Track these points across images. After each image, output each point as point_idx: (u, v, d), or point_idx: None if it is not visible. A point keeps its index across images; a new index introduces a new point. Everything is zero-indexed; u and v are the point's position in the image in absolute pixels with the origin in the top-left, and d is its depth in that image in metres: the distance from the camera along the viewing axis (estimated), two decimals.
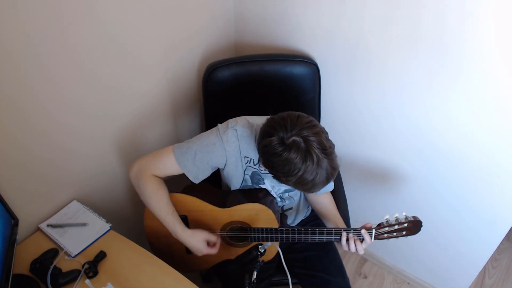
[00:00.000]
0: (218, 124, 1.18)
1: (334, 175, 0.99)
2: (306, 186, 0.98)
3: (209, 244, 1.21)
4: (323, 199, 1.32)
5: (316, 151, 0.94)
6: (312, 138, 0.95)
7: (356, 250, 1.15)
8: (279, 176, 1.00)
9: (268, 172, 1.05)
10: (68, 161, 1.27)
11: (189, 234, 1.18)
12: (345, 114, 1.59)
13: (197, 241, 1.18)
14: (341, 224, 1.25)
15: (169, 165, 1.14)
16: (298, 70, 1.47)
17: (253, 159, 1.18)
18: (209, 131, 1.18)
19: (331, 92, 1.56)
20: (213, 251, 1.21)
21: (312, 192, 1.05)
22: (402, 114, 1.43)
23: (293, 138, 0.95)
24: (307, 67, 1.47)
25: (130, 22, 1.25)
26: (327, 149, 0.95)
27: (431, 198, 1.56)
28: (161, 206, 1.16)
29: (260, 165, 1.15)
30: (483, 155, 1.32)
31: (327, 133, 1.01)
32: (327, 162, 0.95)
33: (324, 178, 0.97)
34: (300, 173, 0.95)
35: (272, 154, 0.97)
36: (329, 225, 1.28)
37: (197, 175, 1.15)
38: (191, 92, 1.65)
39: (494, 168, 1.33)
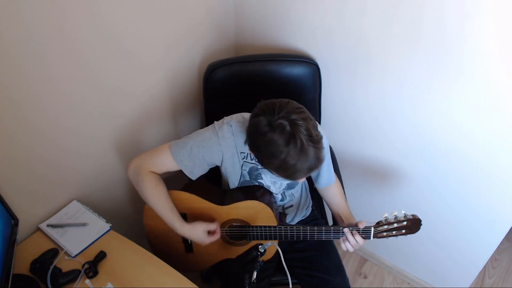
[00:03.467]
0: (215, 122, 1.18)
1: (317, 165, 0.98)
2: (287, 171, 0.98)
3: (209, 232, 1.21)
4: (330, 193, 1.35)
5: (302, 137, 0.93)
6: (299, 123, 0.94)
7: (356, 241, 1.15)
8: (262, 158, 1.00)
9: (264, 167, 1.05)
10: (68, 161, 1.27)
11: (189, 228, 1.18)
12: (346, 113, 1.59)
13: (198, 233, 1.19)
14: (344, 214, 1.28)
15: (166, 161, 1.15)
16: (299, 70, 1.47)
17: (250, 154, 1.18)
18: (206, 128, 1.18)
19: (331, 92, 1.56)
20: (215, 238, 1.21)
21: (293, 180, 1.04)
22: (402, 114, 1.43)
23: (280, 120, 0.95)
24: (308, 67, 1.47)
25: (130, 22, 1.25)
26: (314, 136, 0.95)
27: (431, 198, 1.56)
28: (161, 202, 1.16)
29: (251, 155, 1.14)
30: (483, 155, 1.32)
31: (316, 122, 1.00)
32: (313, 150, 0.95)
33: (306, 166, 0.96)
34: (282, 156, 0.94)
35: (258, 134, 0.97)
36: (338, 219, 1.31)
37: (193, 170, 1.16)
38: (191, 92, 1.65)
39: (494, 168, 1.33)
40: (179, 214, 1.18)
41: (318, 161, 0.98)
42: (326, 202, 1.40)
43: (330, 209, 1.38)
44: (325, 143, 1.25)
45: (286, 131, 0.94)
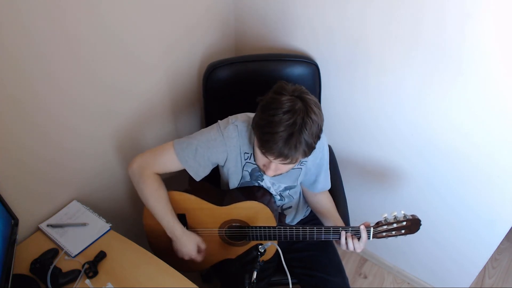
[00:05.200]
0: (219, 121, 1.18)
1: (289, 157, 0.97)
2: (263, 136, 0.97)
3: (198, 249, 1.22)
4: (322, 199, 1.33)
5: (301, 124, 0.94)
6: (312, 116, 0.95)
7: (354, 248, 1.15)
8: (258, 111, 1.01)
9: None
10: (68, 161, 1.27)
11: (187, 234, 1.19)
12: (345, 113, 1.59)
13: (191, 243, 1.20)
14: (340, 224, 1.26)
15: (170, 161, 1.14)
16: (299, 70, 1.47)
17: (253, 155, 1.18)
18: (210, 127, 1.18)
19: (331, 92, 1.56)
20: (199, 258, 1.23)
21: (260, 149, 1.01)
22: (402, 114, 1.43)
23: (298, 98, 0.96)
24: (307, 67, 1.47)
25: (130, 22, 1.25)
26: (308, 138, 0.95)
27: (431, 198, 1.56)
28: (160, 206, 1.16)
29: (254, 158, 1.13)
30: (483, 155, 1.32)
31: (319, 134, 1.00)
32: (298, 141, 0.94)
33: (281, 146, 0.94)
34: (273, 118, 0.94)
35: (276, 91, 0.99)
36: (328, 225, 1.29)
37: (198, 171, 1.15)
38: (191, 92, 1.65)
39: (494, 168, 1.33)
40: (177, 219, 1.19)
41: (292, 156, 0.97)
42: (317, 210, 1.36)
43: (323, 217, 1.33)
44: (325, 148, 1.25)
45: (295, 105, 0.94)
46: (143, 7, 1.27)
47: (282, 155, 0.97)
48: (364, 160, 1.67)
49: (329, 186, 1.33)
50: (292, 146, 0.95)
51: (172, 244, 1.23)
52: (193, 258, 1.22)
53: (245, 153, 1.18)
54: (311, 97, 0.99)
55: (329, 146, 1.46)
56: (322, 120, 1.00)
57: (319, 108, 1.00)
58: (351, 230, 1.15)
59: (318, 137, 1.00)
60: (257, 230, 1.20)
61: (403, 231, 1.14)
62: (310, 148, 0.99)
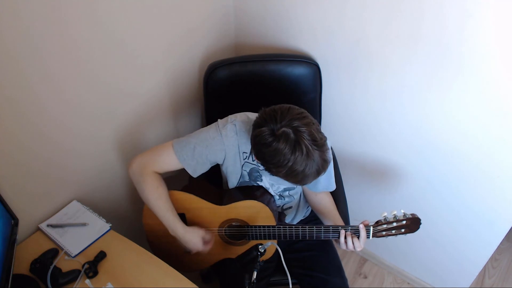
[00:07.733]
0: (218, 120, 1.18)
1: (325, 167, 0.99)
2: (296, 177, 0.98)
3: (203, 241, 1.22)
4: (323, 199, 1.33)
5: (306, 142, 0.93)
6: (302, 129, 0.94)
7: (354, 247, 1.15)
8: (270, 167, 1.00)
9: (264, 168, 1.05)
10: (68, 161, 1.27)
11: (188, 230, 1.19)
12: (346, 114, 1.59)
13: (195, 237, 1.19)
14: (340, 223, 1.26)
15: (169, 159, 1.15)
16: (299, 70, 1.47)
17: (251, 155, 1.18)
18: (209, 126, 1.19)
19: (332, 92, 1.56)
20: (207, 248, 1.22)
21: (302, 185, 1.04)
22: (402, 114, 1.43)
23: (283, 129, 0.95)
24: (308, 67, 1.47)
25: (130, 22, 1.25)
26: (318, 140, 0.95)
27: (431, 198, 1.56)
28: (161, 204, 1.16)
29: (254, 158, 1.14)
30: (483, 155, 1.32)
31: (318, 125, 1.00)
32: (318, 154, 0.95)
33: (314, 170, 0.96)
34: (289, 164, 0.95)
35: (262, 144, 0.97)
36: (328, 224, 1.29)
37: (195, 169, 1.16)
38: (191, 92, 1.65)
39: (494, 168, 1.33)
40: (178, 217, 1.18)
41: (325, 163, 0.98)
42: (318, 210, 1.35)
43: (323, 218, 1.33)
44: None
45: (291, 138, 0.94)
46: (143, 8, 1.26)
47: (319, 175, 1.00)
48: (364, 159, 1.67)
49: (333, 187, 1.31)
50: (321, 165, 0.97)
51: (175, 243, 1.23)
52: (200, 251, 1.21)
53: (244, 152, 1.18)
54: (290, 112, 0.97)
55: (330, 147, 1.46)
56: (310, 116, 0.99)
57: (300, 111, 0.99)
58: (351, 229, 1.15)
59: (320, 132, 1.00)
60: (257, 230, 1.20)
61: (403, 230, 1.14)
62: (325, 146, 0.99)
